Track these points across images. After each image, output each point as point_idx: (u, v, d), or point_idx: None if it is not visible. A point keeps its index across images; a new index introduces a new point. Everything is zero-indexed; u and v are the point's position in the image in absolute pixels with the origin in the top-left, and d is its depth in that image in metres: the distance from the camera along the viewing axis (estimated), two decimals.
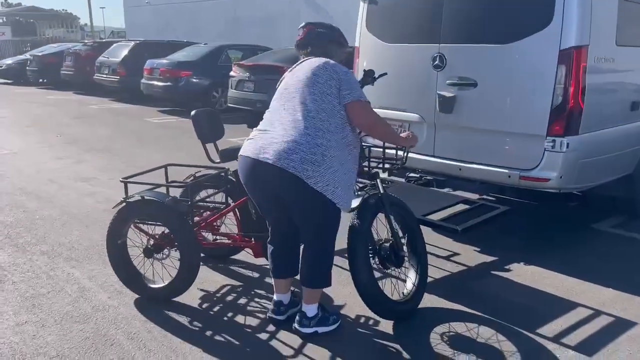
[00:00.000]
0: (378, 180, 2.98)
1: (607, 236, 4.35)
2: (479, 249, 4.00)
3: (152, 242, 3.14)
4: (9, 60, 20.28)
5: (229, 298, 3.24)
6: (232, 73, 9.97)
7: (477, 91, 3.90)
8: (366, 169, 3.04)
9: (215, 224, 3.39)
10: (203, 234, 3.46)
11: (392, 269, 3.08)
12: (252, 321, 2.96)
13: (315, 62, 2.69)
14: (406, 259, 3.11)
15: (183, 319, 2.96)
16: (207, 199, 3.45)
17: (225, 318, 3.01)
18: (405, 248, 3.11)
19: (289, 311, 2.93)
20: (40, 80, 17.87)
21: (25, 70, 17.89)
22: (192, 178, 3.36)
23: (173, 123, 10.33)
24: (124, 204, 3.07)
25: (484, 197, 5.04)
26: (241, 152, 2.70)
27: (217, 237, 3.48)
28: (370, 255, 2.92)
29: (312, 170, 2.48)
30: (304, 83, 2.62)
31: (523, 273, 3.61)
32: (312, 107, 2.56)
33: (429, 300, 3.16)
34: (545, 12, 3.54)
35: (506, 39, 3.74)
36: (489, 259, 3.84)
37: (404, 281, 3.14)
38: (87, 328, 2.84)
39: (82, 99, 14.12)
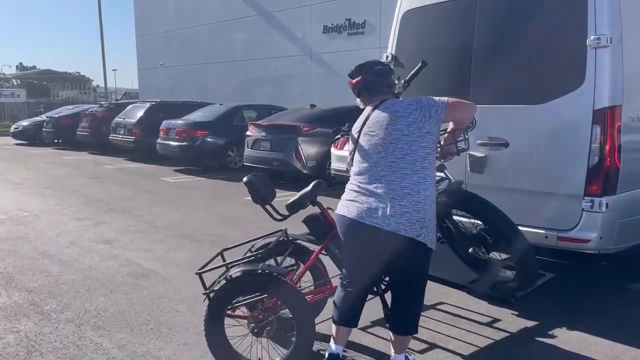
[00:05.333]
0: (446, 171, 3.21)
1: None
2: (517, 313, 3.86)
3: (254, 320, 2.98)
4: (24, 122, 20.70)
5: None
6: (248, 132, 10.09)
7: (509, 151, 3.89)
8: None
9: (299, 284, 3.27)
10: None
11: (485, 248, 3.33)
12: None
13: (386, 113, 2.74)
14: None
15: None
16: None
17: None
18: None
19: None
20: (56, 141, 18.17)
21: (41, 131, 18.24)
22: (249, 253, 3.26)
23: (189, 182, 10.37)
24: (214, 292, 2.94)
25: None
26: (341, 212, 2.76)
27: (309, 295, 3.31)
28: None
29: (420, 228, 2.59)
30: (391, 135, 2.67)
31: (568, 339, 3.46)
32: (407, 160, 2.62)
33: None
34: (577, 72, 3.58)
35: (538, 100, 3.75)
36: (529, 323, 3.70)
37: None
38: None
39: (98, 159, 14.27)
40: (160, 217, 7.03)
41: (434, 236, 2.71)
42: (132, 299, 4.13)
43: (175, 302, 4.05)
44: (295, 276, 3.21)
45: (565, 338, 3.47)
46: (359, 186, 2.72)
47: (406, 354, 2.94)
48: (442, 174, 3.29)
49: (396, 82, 3.30)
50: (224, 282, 2.94)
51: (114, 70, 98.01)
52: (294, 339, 2.91)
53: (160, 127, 12.09)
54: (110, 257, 5.20)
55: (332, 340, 2.91)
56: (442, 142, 3.10)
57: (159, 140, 12.10)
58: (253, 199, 3.20)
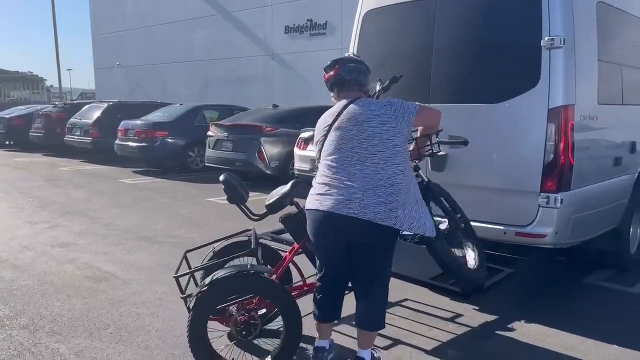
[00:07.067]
0: (420, 171, 3.35)
1: (601, 290, 4.36)
2: (478, 308, 3.94)
3: (239, 322, 2.89)
4: None
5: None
6: (209, 133, 9.94)
7: (468, 149, 3.94)
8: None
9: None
10: None
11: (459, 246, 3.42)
12: None
13: (361, 110, 2.79)
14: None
15: None
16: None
17: None
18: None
19: (328, 357, 2.96)
20: (7, 142, 17.50)
21: None
22: (211, 254, 3.22)
23: (148, 184, 10.16)
24: (198, 295, 2.83)
25: None
26: (313, 207, 2.77)
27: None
28: None
29: (395, 217, 2.63)
30: (366, 131, 2.72)
31: (527, 332, 3.55)
32: (380, 157, 2.69)
33: None
34: (532, 72, 3.67)
35: (495, 99, 3.84)
36: (490, 318, 3.78)
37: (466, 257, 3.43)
38: None
39: (53, 161, 13.83)
40: (119, 219, 6.86)
41: (422, 222, 2.75)
42: (90, 303, 4.01)
43: (135, 306, 3.96)
44: (277, 270, 3.18)
45: (523, 331, 3.57)
46: (332, 179, 2.75)
47: (372, 350, 2.96)
48: (415, 174, 3.34)
49: (377, 86, 3.38)
50: (208, 286, 2.82)
51: (69, 69, 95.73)
52: (280, 337, 2.92)
53: (119, 128, 11.80)
54: (66, 261, 5.04)
55: (317, 336, 2.99)
56: (416, 144, 3.24)
57: (117, 141, 11.80)
58: (229, 198, 3.16)
